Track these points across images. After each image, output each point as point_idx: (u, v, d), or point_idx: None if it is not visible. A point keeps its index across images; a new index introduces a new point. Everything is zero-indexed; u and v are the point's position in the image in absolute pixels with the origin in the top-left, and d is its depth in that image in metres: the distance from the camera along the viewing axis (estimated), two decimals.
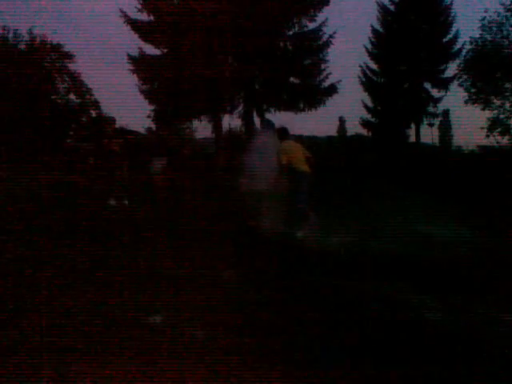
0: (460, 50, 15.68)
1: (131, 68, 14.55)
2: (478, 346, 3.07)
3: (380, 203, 8.32)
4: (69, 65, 15.20)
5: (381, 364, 2.79)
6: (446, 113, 17.60)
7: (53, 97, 15.29)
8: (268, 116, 14.89)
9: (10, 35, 14.79)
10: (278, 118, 14.81)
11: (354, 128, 17.98)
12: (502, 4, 14.10)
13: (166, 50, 14.59)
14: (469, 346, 3.03)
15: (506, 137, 14.54)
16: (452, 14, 16.01)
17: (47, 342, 2.91)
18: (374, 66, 16.64)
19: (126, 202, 8.08)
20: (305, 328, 3.26)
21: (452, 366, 2.79)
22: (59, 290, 3.66)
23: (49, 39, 15.01)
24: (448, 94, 16.12)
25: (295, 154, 6.81)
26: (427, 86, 16.43)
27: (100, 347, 2.85)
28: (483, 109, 15.00)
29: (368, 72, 16.61)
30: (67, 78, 15.29)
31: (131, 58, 14.57)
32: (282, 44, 14.71)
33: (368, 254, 5.11)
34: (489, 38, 14.56)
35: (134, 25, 14.24)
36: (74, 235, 5.32)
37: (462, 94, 15.06)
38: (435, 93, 16.40)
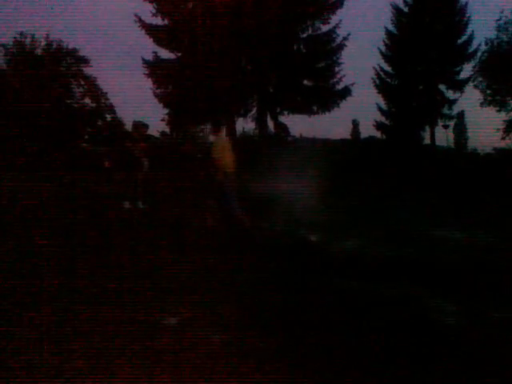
0: (475, 51, 15.56)
1: (146, 72, 14.70)
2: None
3: (398, 206, 8.28)
4: (84, 69, 15.40)
5: (394, 365, 2.78)
6: (461, 115, 17.47)
7: (68, 101, 15.48)
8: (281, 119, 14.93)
9: (28, 40, 15.05)
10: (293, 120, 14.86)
11: (368, 130, 17.92)
12: None
13: (180, 54, 14.69)
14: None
15: None
16: (467, 15, 15.90)
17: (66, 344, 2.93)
18: (388, 68, 16.58)
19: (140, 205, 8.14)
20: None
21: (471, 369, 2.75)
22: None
23: (65, 44, 15.24)
24: (463, 95, 16.00)
25: (226, 151, 5.86)
26: (442, 87, 16.31)
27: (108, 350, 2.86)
28: (499, 110, 14.89)
29: (382, 74, 16.54)
30: (83, 83, 15.46)
31: (146, 62, 14.70)
32: (295, 47, 14.73)
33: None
34: (505, 39, 14.42)
35: (149, 29, 14.36)
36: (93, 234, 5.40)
37: (478, 96, 14.96)
38: (450, 95, 16.31)
